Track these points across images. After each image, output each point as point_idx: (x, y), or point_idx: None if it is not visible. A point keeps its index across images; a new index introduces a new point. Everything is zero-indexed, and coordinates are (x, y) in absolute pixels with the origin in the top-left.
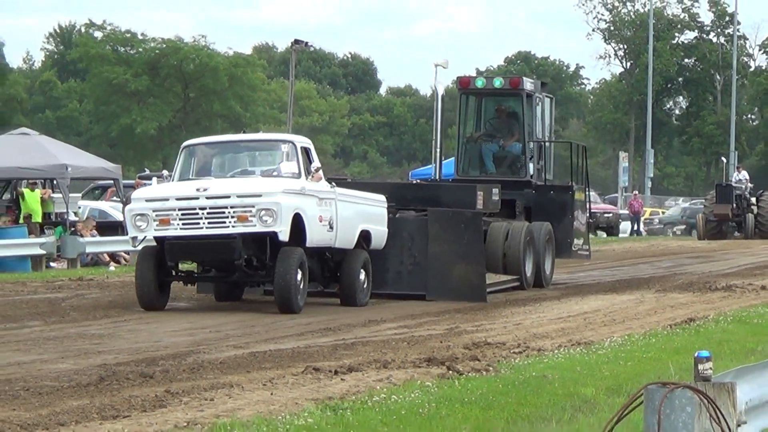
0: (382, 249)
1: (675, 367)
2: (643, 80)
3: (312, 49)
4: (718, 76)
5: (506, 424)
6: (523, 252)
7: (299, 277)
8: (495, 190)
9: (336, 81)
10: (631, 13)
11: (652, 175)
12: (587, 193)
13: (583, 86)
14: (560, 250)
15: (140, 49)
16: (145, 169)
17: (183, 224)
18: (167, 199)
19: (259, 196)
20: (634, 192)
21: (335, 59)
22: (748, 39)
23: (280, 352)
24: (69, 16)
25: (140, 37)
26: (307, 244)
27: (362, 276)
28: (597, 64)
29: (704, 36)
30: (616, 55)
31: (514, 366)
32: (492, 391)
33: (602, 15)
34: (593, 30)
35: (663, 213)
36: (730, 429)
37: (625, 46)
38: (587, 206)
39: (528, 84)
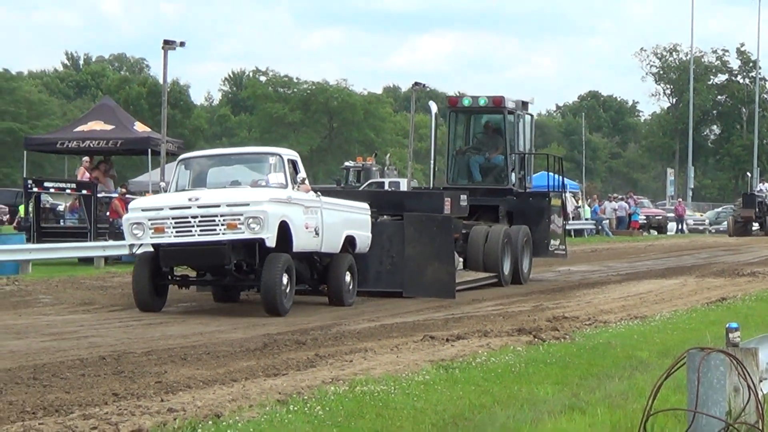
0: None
1: (711, 335)
2: (686, 113)
3: (428, 89)
4: (744, 110)
5: (579, 379)
6: (501, 252)
7: (285, 281)
8: (463, 197)
9: (446, 114)
10: (676, 61)
11: (692, 186)
12: (563, 199)
13: (638, 117)
14: (538, 250)
15: (295, 90)
16: None
17: (176, 232)
18: (162, 209)
19: (247, 205)
20: (678, 199)
21: (445, 97)
22: (767, 80)
23: (403, 324)
24: (240, 64)
25: (295, 81)
26: (294, 250)
27: (348, 278)
28: (650, 101)
29: (733, 78)
30: (664, 93)
31: (586, 335)
32: (568, 354)
33: (654, 62)
34: (647, 73)
35: (701, 216)
36: (753, 383)
37: (672, 86)
38: (564, 211)
39: (510, 103)
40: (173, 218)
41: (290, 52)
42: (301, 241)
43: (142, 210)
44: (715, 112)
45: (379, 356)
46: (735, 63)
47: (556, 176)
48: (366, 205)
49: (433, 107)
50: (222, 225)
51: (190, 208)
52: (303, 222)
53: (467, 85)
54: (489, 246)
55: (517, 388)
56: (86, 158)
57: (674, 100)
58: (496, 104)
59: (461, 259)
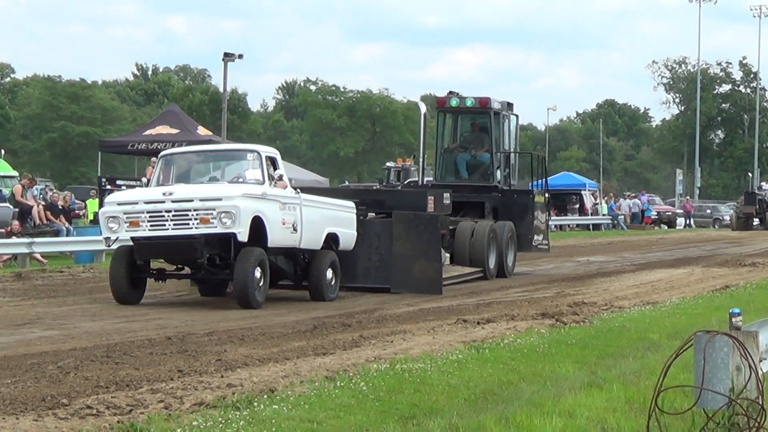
0: (353, 247)
1: (716, 319)
2: (693, 119)
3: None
4: (745, 116)
5: (597, 359)
6: (486, 247)
7: (258, 275)
8: (446, 195)
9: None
10: (684, 72)
11: (699, 185)
12: (546, 196)
13: (650, 123)
14: (522, 245)
15: (342, 98)
16: (345, 181)
17: (151, 225)
18: (136, 203)
19: (220, 200)
20: (686, 197)
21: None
22: (767, 90)
23: (439, 309)
24: (292, 74)
25: (342, 89)
26: (269, 245)
27: (329, 274)
28: (660, 108)
29: (736, 88)
30: (673, 101)
31: (603, 319)
32: (587, 336)
33: (664, 73)
34: (658, 84)
35: (708, 212)
36: (754, 363)
37: (680, 95)
38: (546, 207)
39: (496, 104)
40: (148, 212)
41: (337, 64)
42: (277, 237)
43: (118, 204)
44: (719, 118)
45: (417, 337)
46: (737, 74)
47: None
48: (351, 203)
49: (422, 107)
50: (195, 219)
51: (164, 202)
52: (279, 218)
53: (496, 93)
54: (475, 241)
55: (541, 366)
56: (154, 159)
57: (683, 107)
58: (482, 105)
59: (447, 255)
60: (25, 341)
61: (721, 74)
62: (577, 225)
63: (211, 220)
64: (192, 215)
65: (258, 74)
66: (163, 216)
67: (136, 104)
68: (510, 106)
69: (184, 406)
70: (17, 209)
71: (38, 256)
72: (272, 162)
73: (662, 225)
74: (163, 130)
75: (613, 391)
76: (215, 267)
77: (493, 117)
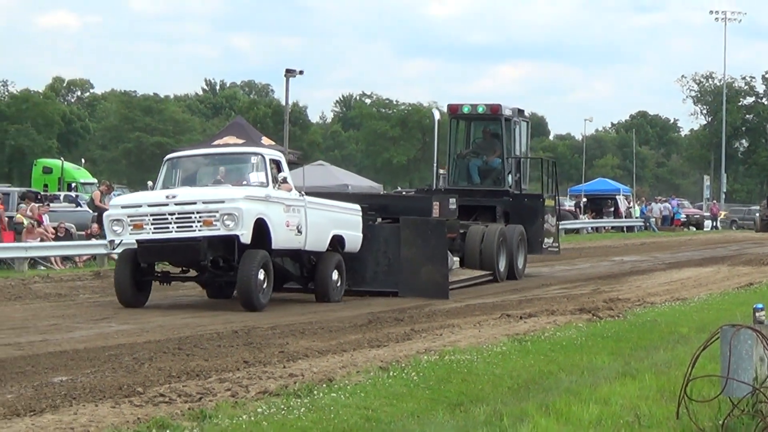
0: (362, 252)
1: (740, 314)
2: (719, 129)
3: None
4: None
5: (630, 351)
6: (496, 251)
7: (261, 276)
8: (452, 200)
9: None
10: (711, 86)
11: (725, 190)
12: (557, 200)
13: (679, 133)
14: (533, 248)
15: (394, 110)
16: (398, 186)
17: (155, 228)
18: (140, 206)
19: (222, 202)
20: (713, 201)
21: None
22: None
23: (484, 305)
24: (349, 89)
25: (394, 102)
26: (273, 247)
27: (335, 276)
28: (689, 119)
29: (759, 100)
30: (701, 112)
31: (636, 314)
32: (621, 330)
33: (692, 87)
34: (687, 96)
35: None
36: None
37: (707, 107)
38: (556, 211)
39: (507, 110)
40: (151, 215)
41: (390, 78)
42: (281, 239)
43: (122, 207)
44: (743, 128)
45: (464, 331)
46: (761, 87)
47: (610, 181)
48: (357, 206)
49: (436, 114)
50: (198, 222)
51: (167, 205)
52: (283, 220)
53: (536, 105)
54: (485, 245)
55: (579, 357)
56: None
57: (709, 118)
58: (494, 112)
59: (456, 259)
60: (104, 334)
61: (745, 87)
62: (612, 227)
63: (214, 223)
64: (195, 218)
65: (317, 89)
66: (167, 219)
67: (205, 117)
68: (521, 112)
69: (250, 394)
70: (96, 213)
71: (115, 256)
72: (277, 165)
73: (691, 227)
74: (230, 140)
75: (645, 381)
76: (219, 269)
77: (504, 123)
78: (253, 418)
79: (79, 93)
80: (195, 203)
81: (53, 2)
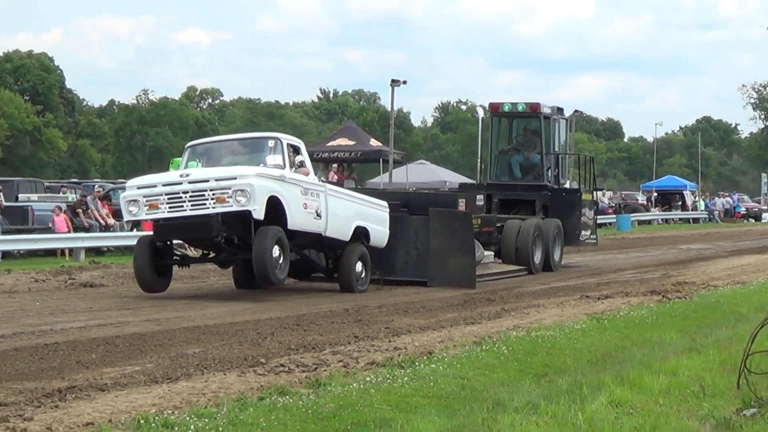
0: (392, 243)
1: None
2: None
3: (584, 114)
4: None
5: (696, 328)
6: (531, 245)
7: (277, 252)
8: (479, 197)
9: (599, 132)
10: None
11: None
12: (594, 194)
13: (740, 135)
14: (570, 240)
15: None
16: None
17: (170, 207)
18: (155, 186)
19: (234, 178)
20: None
21: (598, 121)
22: None
23: (566, 287)
24: (447, 97)
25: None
26: (290, 227)
27: (359, 267)
28: (749, 123)
29: None
30: (760, 117)
31: (701, 295)
32: (688, 310)
33: (752, 95)
34: (747, 103)
35: None
36: None
37: (766, 112)
38: (594, 204)
39: (546, 108)
40: (166, 194)
41: (484, 88)
42: (299, 220)
43: (138, 188)
44: None
45: (548, 310)
46: None
47: (678, 178)
48: (384, 203)
49: (480, 112)
50: (211, 199)
51: (181, 183)
52: (300, 201)
53: (613, 111)
54: (521, 238)
55: (650, 334)
56: (335, 165)
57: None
58: (533, 110)
59: (489, 253)
60: (231, 312)
61: None
62: (680, 219)
63: (227, 199)
64: (208, 195)
65: (419, 97)
66: (181, 197)
67: (320, 121)
68: (560, 110)
69: (359, 365)
70: None
71: None
72: (295, 149)
73: (750, 219)
74: (342, 141)
75: (709, 355)
76: (234, 246)
77: (543, 121)
78: (362, 386)
79: (210, 100)
80: (208, 181)
81: (188, 22)
